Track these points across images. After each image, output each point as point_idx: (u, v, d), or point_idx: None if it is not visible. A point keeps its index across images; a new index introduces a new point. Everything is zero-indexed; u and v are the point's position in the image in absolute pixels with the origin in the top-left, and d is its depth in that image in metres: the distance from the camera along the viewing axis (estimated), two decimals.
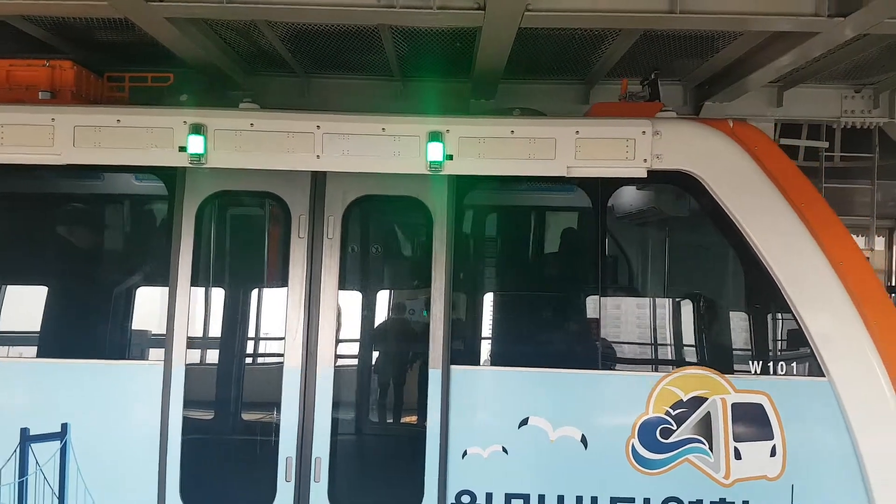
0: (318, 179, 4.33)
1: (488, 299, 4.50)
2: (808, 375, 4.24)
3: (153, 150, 4.16)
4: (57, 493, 4.17)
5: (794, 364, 4.27)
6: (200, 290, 4.39)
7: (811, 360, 4.23)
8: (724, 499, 4.21)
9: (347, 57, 5.63)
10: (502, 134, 4.31)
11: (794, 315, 4.21)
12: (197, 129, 4.16)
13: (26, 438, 4.17)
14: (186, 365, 4.19)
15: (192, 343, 4.23)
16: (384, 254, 4.65)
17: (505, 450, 4.22)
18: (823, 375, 4.20)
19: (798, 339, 4.24)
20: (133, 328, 4.46)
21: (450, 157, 4.27)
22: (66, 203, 4.87)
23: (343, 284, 4.25)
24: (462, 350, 4.29)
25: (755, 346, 4.34)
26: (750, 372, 4.26)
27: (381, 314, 4.45)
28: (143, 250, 4.72)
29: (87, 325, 4.50)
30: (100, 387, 4.26)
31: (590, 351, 4.36)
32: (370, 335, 4.41)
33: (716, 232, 4.42)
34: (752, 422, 4.21)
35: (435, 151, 4.22)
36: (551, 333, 4.53)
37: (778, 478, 4.21)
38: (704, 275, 4.66)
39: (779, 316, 4.30)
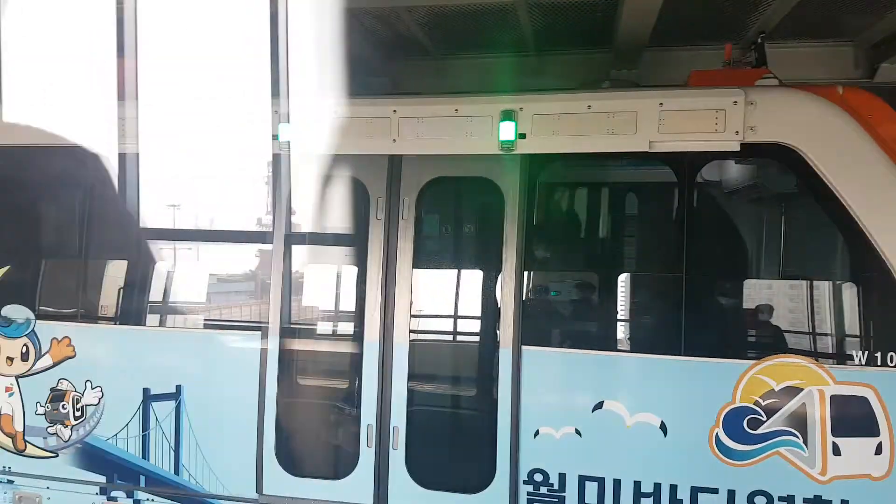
0: (395, 163, 4.44)
1: (560, 280, 4.43)
2: None
3: None
4: None
5: None
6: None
7: None
8: (820, 496, 3.91)
9: (482, 36, 5.69)
10: (578, 109, 4.18)
11: None
12: None
13: None
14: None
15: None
16: (456, 234, 4.69)
17: (578, 432, 4.17)
18: None
19: None
20: None
21: (523, 136, 4.22)
22: None
23: (416, 264, 4.36)
24: (534, 331, 4.26)
25: (861, 335, 3.93)
26: (854, 362, 3.88)
27: (453, 293, 4.52)
28: None
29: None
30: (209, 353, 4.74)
31: (671, 335, 4.16)
32: (444, 313, 4.51)
33: (819, 209, 4.03)
34: (855, 416, 3.85)
35: (507, 131, 4.19)
36: (629, 316, 4.37)
37: (884, 478, 3.83)
38: (803, 257, 4.28)
39: (890, 304, 3.86)
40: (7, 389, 5.00)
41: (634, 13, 4.44)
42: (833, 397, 3.87)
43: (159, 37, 5.12)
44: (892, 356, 3.84)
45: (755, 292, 4.20)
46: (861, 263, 3.94)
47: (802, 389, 3.90)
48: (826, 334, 4.09)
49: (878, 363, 3.84)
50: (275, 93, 4.68)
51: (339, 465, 4.47)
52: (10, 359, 4.98)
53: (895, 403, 3.81)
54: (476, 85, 5.76)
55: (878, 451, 3.84)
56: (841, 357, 3.90)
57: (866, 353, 3.86)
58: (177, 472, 4.72)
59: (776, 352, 3.99)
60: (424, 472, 4.38)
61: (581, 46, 5.76)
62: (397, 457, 4.38)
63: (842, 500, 3.89)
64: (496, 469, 4.24)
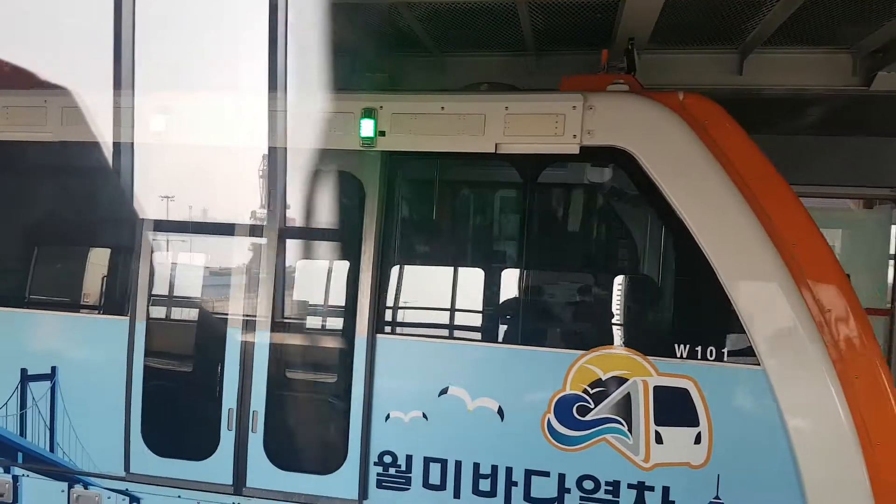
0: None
1: (414, 273, 4.65)
2: (740, 363, 4.01)
3: None
4: None
5: (724, 350, 4.04)
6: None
7: (744, 347, 4.01)
8: (644, 482, 4.11)
9: (481, 34, 5.85)
10: (433, 110, 4.40)
11: (729, 301, 4.00)
12: None
13: None
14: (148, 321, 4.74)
15: (154, 301, 4.77)
16: (323, 227, 4.88)
17: (425, 416, 4.37)
18: (758, 364, 3.97)
19: (731, 324, 4.02)
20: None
21: (382, 134, 4.44)
22: None
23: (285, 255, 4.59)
24: (387, 320, 4.47)
25: (683, 330, 4.15)
26: (676, 356, 4.09)
27: (316, 283, 4.73)
28: None
29: None
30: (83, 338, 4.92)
31: (510, 326, 4.38)
32: (307, 303, 4.72)
33: (649, 210, 4.26)
34: (676, 407, 4.06)
35: (367, 128, 4.42)
36: (473, 307, 4.58)
37: (702, 466, 4.04)
38: (635, 255, 4.50)
39: (712, 301, 4.08)
40: None
41: (634, 15, 4.59)
42: (656, 388, 4.09)
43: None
44: (711, 350, 4.05)
45: (587, 287, 4.41)
46: (686, 263, 4.17)
47: (627, 380, 4.12)
48: (651, 328, 4.31)
49: (699, 357, 4.06)
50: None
51: (201, 447, 4.65)
52: None
53: (713, 395, 4.03)
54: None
55: (698, 440, 4.05)
56: (664, 350, 4.11)
57: (688, 346, 4.08)
58: (52, 449, 4.90)
59: (604, 343, 4.21)
60: (281, 455, 4.57)
61: (581, 46, 5.89)
62: (256, 440, 4.57)
63: (663, 487, 4.10)
64: (348, 451, 4.44)
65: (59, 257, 5.24)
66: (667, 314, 4.34)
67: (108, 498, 4.80)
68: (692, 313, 4.20)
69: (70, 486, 4.88)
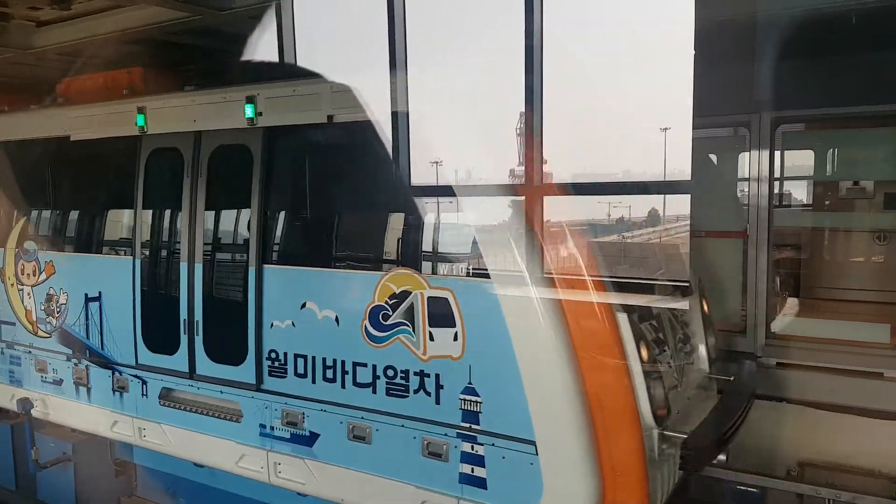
0: (197, 137, 6.49)
1: (286, 218, 6.19)
2: (479, 278, 5.00)
3: None
4: None
5: (471, 268, 5.05)
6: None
7: (483, 268, 5.00)
8: (423, 370, 5.28)
9: None
10: (288, 93, 5.91)
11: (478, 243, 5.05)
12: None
13: None
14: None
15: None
16: (231, 187, 6.52)
17: (293, 324, 5.93)
18: (489, 278, 4.95)
19: (475, 250, 5.04)
20: None
21: (260, 114, 6.04)
22: None
23: (207, 208, 6.44)
24: (269, 254, 6.08)
25: (446, 254, 5.21)
26: (440, 273, 5.18)
27: (229, 229, 6.46)
28: None
29: None
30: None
31: (341, 255, 5.77)
32: (224, 242, 6.49)
33: None
34: (441, 312, 5.16)
35: (249, 111, 6.04)
36: (322, 243, 6.00)
37: (459, 358, 5.11)
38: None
39: (456, 235, 5.15)
40: (28, 295, 7.97)
41: None
42: (428, 297, 5.22)
43: None
44: (462, 268, 5.09)
45: (383, 224, 5.62)
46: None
47: (411, 292, 5.29)
48: (427, 253, 5.38)
49: (454, 273, 5.12)
50: None
51: (171, 346, 6.69)
52: (28, 275, 7.94)
53: (465, 303, 5.06)
54: None
55: (455, 338, 5.11)
56: (433, 268, 5.21)
57: (448, 265, 5.16)
58: (102, 347, 7.31)
59: (397, 265, 5.41)
60: (212, 352, 6.44)
61: None
62: (199, 341, 6.49)
63: (436, 374, 5.23)
64: (248, 349, 6.16)
65: None
66: (435, 244, 5.39)
67: (130, 381, 7.08)
68: (448, 245, 5.25)
69: (112, 373, 7.26)
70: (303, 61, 6.58)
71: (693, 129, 6.79)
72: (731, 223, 8.14)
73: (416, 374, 5.33)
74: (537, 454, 4.80)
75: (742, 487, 6.61)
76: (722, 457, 5.39)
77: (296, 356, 5.95)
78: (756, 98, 7.63)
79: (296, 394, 5.94)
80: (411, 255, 5.44)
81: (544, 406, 4.77)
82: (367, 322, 5.52)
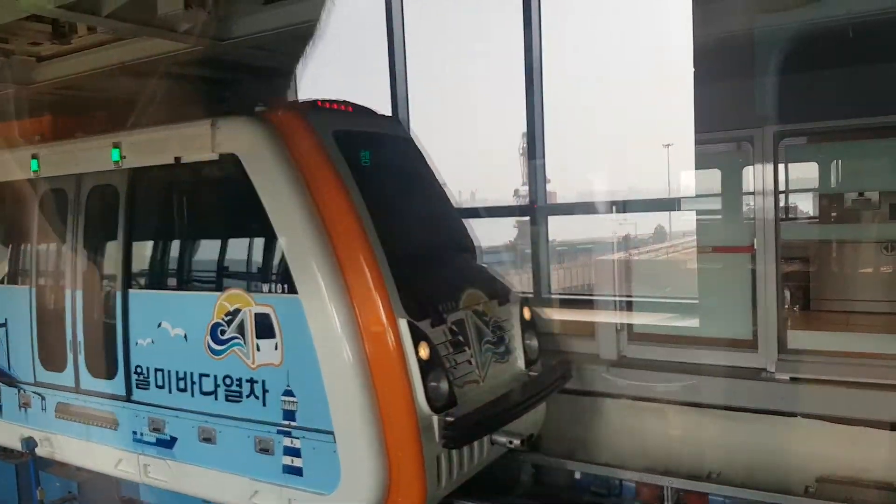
0: (79, 179, 7.39)
1: (144, 247, 7.04)
2: (291, 296, 5.85)
3: None
4: None
5: (286, 287, 5.91)
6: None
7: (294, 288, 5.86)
8: (252, 378, 6.10)
9: None
10: (141, 140, 6.81)
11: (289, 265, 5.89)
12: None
13: None
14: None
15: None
16: (105, 221, 7.37)
17: (153, 341, 6.76)
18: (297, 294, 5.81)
19: (288, 274, 5.89)
20: None
21: (124, 158, 6.94)
22: None
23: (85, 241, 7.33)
24: (131, 280, 6.93)
25: (268, 277, 6.08)
26: (263, 292, 6.03)
27: (99, 259, 7.33)
28: None
29: None
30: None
31: (186, 279, 6.62)
32: (95, 272, 7.34)
33: (252, 199, 6.14)
34: (266, 325, 5.99)
35: (115, 154, 6.93)
36: (170, 268, 6.85)
37: (280, 365, 5.93)
38: (246, 233, 6.42)
39: (277, 262, 6.01)
40: None
41: None
42: (255, 314, 6.06)
43: None
44: (279, 287, 5.94)
45: (223, 250, 6.49)
46: (267, 235, 6.07)
47: (241, 310, 6.13)
48: (254, 274, 6.24)
49: (273, 292, 5.97)
50: None
51: (61, 364, 7.51)
52: None
53: (282, 317, 5.90)
54: None
55: (276, 347, 5.94)
56: (258, 288, 6.08)
57: (269, 285, 6.01)
58: (9, 368, 8.11)
59: (232, 287, 6.27)
60: (91, 367, 7.25)
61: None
62: (81, 358, 7.32)
63: (263, 380, 6.05)
64: (119, 365, 6.98)
65: None
66: (259, 267, 6.25)
67: (33, 396, 7.88)
68: (269, 267, 6.10)
69: (18, 391, 8.07)
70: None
71: (696, 145, 7.69)
72: (737, 238, 8.07)
73: (247, 381, 6.15)
74: (335, 443, 5.62)
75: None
76: (517, 441, 6.19)
77: (156, 370, 6.77)
78: (758, 113, 7.54)
79: (157, 403, 6.76)
80: (241, 276, 6.30)
81: (339, 401, 5.60)
82: (209, 337, 6.35)
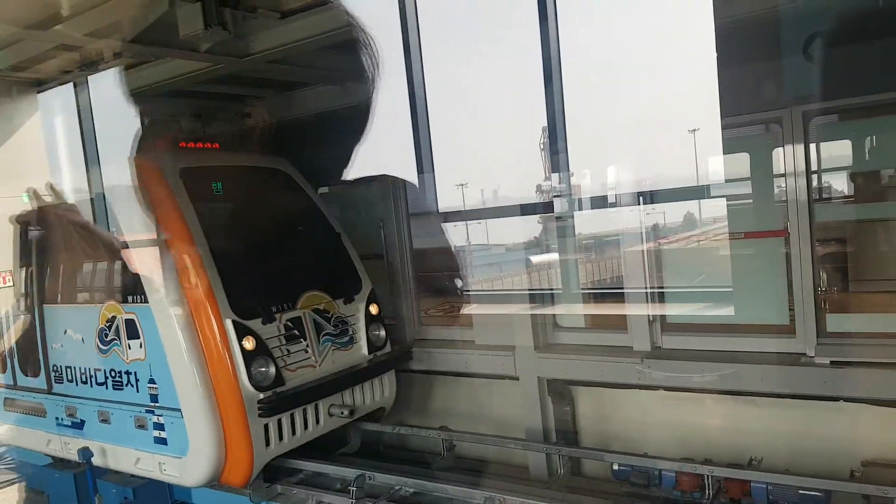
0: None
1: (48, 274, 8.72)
2: (146, 304, 7.47)
3: None
4: None
5: (142, 299, 7.52)
6: None
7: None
8: (128, 370, 7.74)
9: None
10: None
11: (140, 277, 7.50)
12: None
13: None
14: None
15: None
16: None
17: (62, 345, 8.45)
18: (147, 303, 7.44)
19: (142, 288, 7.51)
20: None
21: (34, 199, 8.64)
22: None
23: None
24: (45, 296, 8.65)
25: (131, 288, 7.69)
26: (131, 301, 7.65)
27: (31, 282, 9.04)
28: None
29: None
30: None
31: (80, 293, 8.28)
32: (29, 293, 9.06)
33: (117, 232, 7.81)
34: (133, 329, 7.62)
35: (25, 198, 8.62)
36: (69, 287, 8.51)
37: (144, 359, 7.56)
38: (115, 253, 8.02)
39: (132, 275, 7.63)
40: None
41: None
42: (126, 319, 7.68)
43: None
44: (138, 298, 7.54)
45: (113, 269, 8.10)
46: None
47: (117, 316, 7.75)
48: (122, 290, 7.84)
49: (135, 302, 7.58)
50: None
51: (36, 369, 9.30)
52: None
53: (143, 321, 7.51)
54: None
55: (141, 346, 7.55)
56: (125, 299, 7.70)
57: (131, 297, 7.63)
58: None
59: (111, 299, 7.90)
60: (26, 369, 8.97)
61: None
62: (16, 362, 9.06)
63: (135, 371, 7.67)
64: (41, 365, 8.70)
65: None
66: (126, 283, 7.85)
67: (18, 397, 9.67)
68: (131, 283, 7.68)
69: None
70: None
71: (722, 129, 7.40)
72: (769, 222, 7.88)
73: (125, 373, 7.79)
74: (183, 418, 7.24)
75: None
76: (346, 412, 7.86)
77: (65, 367, 8.47)
78: (786, 92, 7.31)
79: (69, 394, 8.47)
80: (116, 291, 7.94)
81: (183, 386, 7.22)
82: (97, 339, 8.01)
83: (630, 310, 8.38)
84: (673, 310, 8.32)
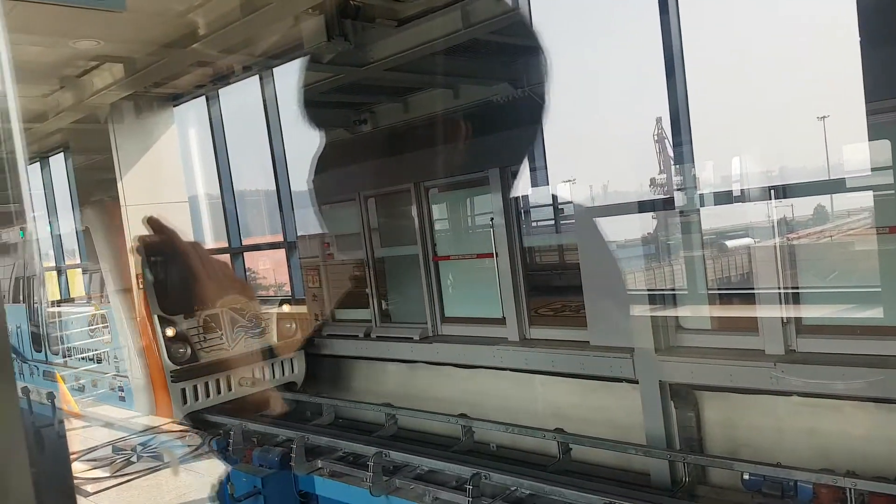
0: None
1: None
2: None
3: None
4: None
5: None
6: None
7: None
8: (107, 350, 9.38)
9: None
10: None
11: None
12: None
13: None
14: None
15: None
16: None
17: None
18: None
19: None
20: None
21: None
22: None
23: None
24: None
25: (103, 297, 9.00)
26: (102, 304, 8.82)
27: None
28: None
29: None
30: None
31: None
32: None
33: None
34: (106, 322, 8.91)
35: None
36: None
37: (111, 342, 9.23)
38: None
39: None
40: None
41: None
42: (100, 315, 8.82)
43: None
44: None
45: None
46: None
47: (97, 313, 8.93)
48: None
49: (106, 304, 8.67)
50: None
51: None
52: None
53: (109, 317, 8.68)
54: None
55: (109, 332, 8.67)
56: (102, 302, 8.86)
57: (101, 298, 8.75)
58: None
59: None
60: None
61: None
62: None
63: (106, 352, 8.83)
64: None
65: None
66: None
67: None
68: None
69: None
70: None
71: (868, 115, 6.76)
72: None
73: (105, 352, 9.36)
74: (131, 384, 8.71)
75: None
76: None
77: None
78: None
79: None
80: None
81: (129, 360, 8.63)
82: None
83: (762, 311, 7.79)
84: (811, 311, 7.72)
